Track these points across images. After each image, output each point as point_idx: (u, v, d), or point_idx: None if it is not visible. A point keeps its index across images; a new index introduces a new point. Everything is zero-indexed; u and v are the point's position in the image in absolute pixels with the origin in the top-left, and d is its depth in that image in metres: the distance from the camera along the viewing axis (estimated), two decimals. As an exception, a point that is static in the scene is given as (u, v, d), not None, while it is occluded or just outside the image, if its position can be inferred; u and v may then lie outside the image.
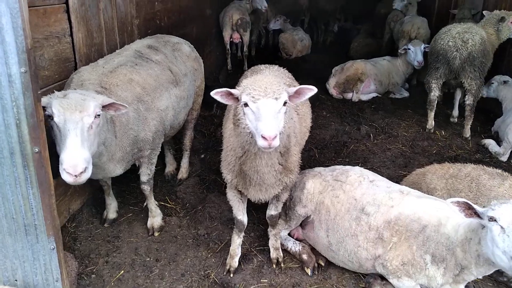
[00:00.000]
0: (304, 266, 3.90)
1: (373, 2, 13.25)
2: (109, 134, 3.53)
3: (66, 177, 2.91)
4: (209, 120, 7.25)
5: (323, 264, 3.91)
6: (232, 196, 3.73)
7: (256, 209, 4.78)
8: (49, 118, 3.00)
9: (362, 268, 3.68)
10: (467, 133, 6.64)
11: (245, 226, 3.90)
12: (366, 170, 4.02)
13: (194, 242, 4.30)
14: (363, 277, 3.81)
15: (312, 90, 2.93)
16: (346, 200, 3.71)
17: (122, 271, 3.89)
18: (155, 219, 4.46)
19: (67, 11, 4.18)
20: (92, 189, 4.82)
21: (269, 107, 2.67)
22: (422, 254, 3.29)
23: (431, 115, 6.77)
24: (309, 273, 3.84)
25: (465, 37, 6.13)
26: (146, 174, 4.24)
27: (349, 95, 8.35)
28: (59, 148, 3.03)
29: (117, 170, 3.85)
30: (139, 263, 4.01)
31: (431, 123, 6.81)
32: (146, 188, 4.31)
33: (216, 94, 2.89)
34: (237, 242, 3.95)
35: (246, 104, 2.75)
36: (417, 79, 9.43)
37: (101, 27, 4.83)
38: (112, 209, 4.57)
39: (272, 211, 3.88)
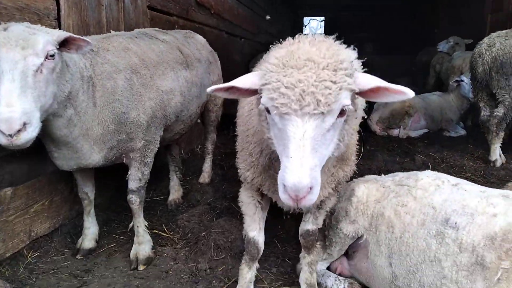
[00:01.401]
0: (352, 312, 2.54)
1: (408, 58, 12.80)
2: (84, 96, 2.68)
3: (1, 128, 2.04)
4: (228, 154, 6.20)
5: (381, 309, 2.52)
6: (246, 198, 2.59)
7: (282, 240, 3.52)
8: None
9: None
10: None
11: (261, 252, 2.67)
12: (443, 174, 2.77)
13: (191, 278, 3.03)
14: (448, 332, 2.37)
15: (404, 93, 1.68)
16: (418, 209, 2.45)
17: (80, 313, 2.67)
18: (142, 247, 3.28)
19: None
20: (71, 213, 3.75)
21: (307, 132, 1.56)
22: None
23: (492, 144, 5.42)
24: (360, 324, 2.47)
25: (493, 41, 5.24)
26: (136, 178, 3.19)
27: (395, 132, 7.16)
28: None
29: (95, 155, 2.86)
30: (108, 303, 2.78)
31: (493, 153, 5.40)
32: (135, 200, 3.21)
33: (217, 91, 1.84)
34: (247, 277, 2.70)
35: (268, 110, 1.68)
36: (472, 121, 8.17)
37: (101, 24, 4.15)
38: (89, 236, 3.45)
39: (309, 224, 2.68)
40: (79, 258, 3.34)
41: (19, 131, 2.07)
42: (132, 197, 3.21)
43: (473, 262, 2.14)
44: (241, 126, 2.48)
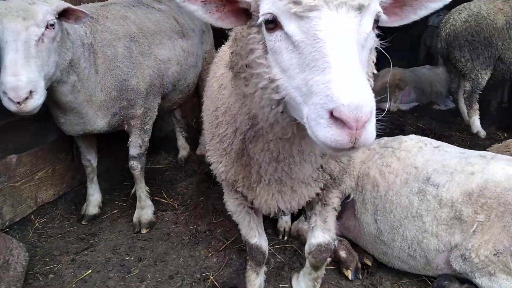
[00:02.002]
0: (343, 267, 2.72)
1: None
2: (86, 63, 2.79)
3: (8, 104, 2.22)
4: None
5: (370, 263, 2.72)
6: (234, 206, 2.20)
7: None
8: None
9: (430, 267, 2.49)
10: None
11: (266, 255, 2.40)
12: (426, 137, 2.94)
13: (192, 239, 3.22)
14: (430, 283, 2.59)
15: None
16: (402, 169, 2.62)
17: (90, 271, 2.86)
18: (144, 211, 3.44)
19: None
20: (73, 181, 3.87)
21: (349, 32, 1.12)
22: (528, 237, 2.13)
23: (470, 117, 5.57)
24: (350, 277, 2.66)
25: (449, 16, 5.43)
26: (137, 145, 3.32)
27: (385, 105, 7.30)
28: (0, 67, 2.27)
29: (99, 121, 3.00)
30: (115, 262, 2.96)
31: (473, 126, 5.51)
32: (136, 166, 3.35)
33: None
34: (256, 284, 2.48)
35: (270, 25, 1.20)
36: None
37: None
38: (93, 203, 3.59)
39: (318, 235, 2.17)
40: (84, 223, 3.49)
41: (26, 98, 2.20)
42: (133, 163, 3.34)
43: (452, 216, 2.34)
44: (209, 110, 2.01)
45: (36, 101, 2.26)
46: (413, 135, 2.96)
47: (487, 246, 2.22)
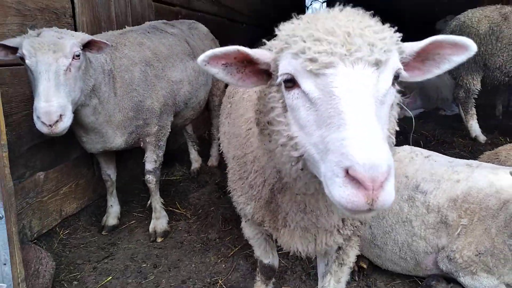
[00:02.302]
0: (341, 270, 2.92)
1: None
2: (106, 87, 3.11)
3: (40, 127, 2.53)
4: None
5: (365, 266, 2.93)
6: (253, 234, 2.28)
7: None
8: (21, 60, 2.61)
9: (420, 268, 2.69)
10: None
11: (276, 270, 2.55)
12: (418, 148, 3.14)
13: (203, 247, 3.47)
14: (420, 283, 2.78)
15: (467, 47, 1.29)
16: (393, 178, 2.82)
17: (110, 277, 3.12)
18: (159, 221, 3.72)
19: (70, -9, 3.86)
20: (94, 195, 4.18)
21: (365, 88, 1.11)
22: (506, 239, 2.33)
23: (466, 122, 5.73)
24: (348, 279, 2.86)
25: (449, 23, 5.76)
26: (152, 160, 3.61)
27: (392, 111, 7.48)
28: (34, 95, 2.60)
29: (117, 139, 3.31)
30: (133, 269, 3.22)
31: (471, 130, 5.66)
32: (152, 180, 3.64)
33: (212, 60, 1.31)
34: None
35: (289, 84, 1.21)
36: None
37: (111, 18, 4.49)
38: (113, 214, 3.88)
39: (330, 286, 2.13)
40: (104, 234, 3.78)
41: (56, 121, 2.51)
42: (149, 177, 3.63)
43: (439, 221, 2.54)
44: (235, 150, 1.96)
45: (65, 124, 2.57)
46: (407, 146, 3.16)
47: (470, 247, 2.42)
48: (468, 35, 5.10)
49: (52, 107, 2.48)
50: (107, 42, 2.82)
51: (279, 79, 1.23)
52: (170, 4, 5.91)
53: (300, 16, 1.34)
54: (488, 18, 5.17)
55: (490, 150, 4.94)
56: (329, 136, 1.06)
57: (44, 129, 2.52)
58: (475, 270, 2.38)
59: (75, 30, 3.91)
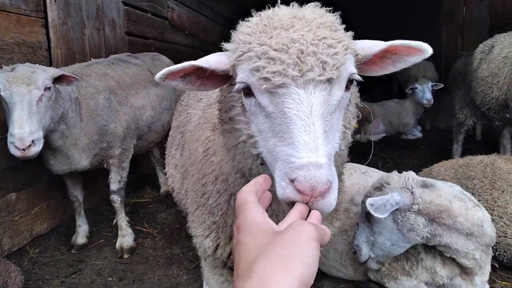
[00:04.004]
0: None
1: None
2: (73, 113, 3.38)
3: (14, 151, 2.80)
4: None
5: (313, 273, 3.19)
6: (219, 284, 2.00)
7: None
8: None
9: (359, 274, 2.97)
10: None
11: None
12: (357, 164, 3.49)
13: (167, 261, 3.70)
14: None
15: (422, 50, 1.33)
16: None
17: (76, 290, 3.30)
18: (125, 238, 3.93)
19: (46, 27, 4.18)
20: (65, 216, 4.37)
21: (314, 108, 1.14)
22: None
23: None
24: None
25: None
26: (116, 181, 3.85)
27: (356, 137, 7.92)
28: (8, 122, 2.89)
29: (83, 161, 3.55)
30: (99, 283, 3.42)
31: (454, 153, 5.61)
32: (116, 199, 3.87)
33: (169, 76, 1.31)
34: None
35: (246, 91, 1.24)
36: (431, 124, 8.96)
37: (85, 51, 4.81)
38: (81, 233, 4.08)
39: None
40: (73, 252, 3.96)
41: (29, 146, 2.80)
42: (114, 197, 3.87)
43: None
44: (192, 178, 1.89)
45: (37, 148, 2.85)
46: (349, 162, 3.50)
47: (392, 255, 2.72)
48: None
49: (25, 133, 2.77)
50: (76, 77, 3.14)
51: (237, 86, 1.23)
52: (143, 37, 6.26)
53: (259, 13, 1.34)
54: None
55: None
56: (280, 147, 1.13)
57: (17, 153, 2.79)
58: (396, 275, 2.67)
59: (50, 62, 4.22)
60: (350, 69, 1.21)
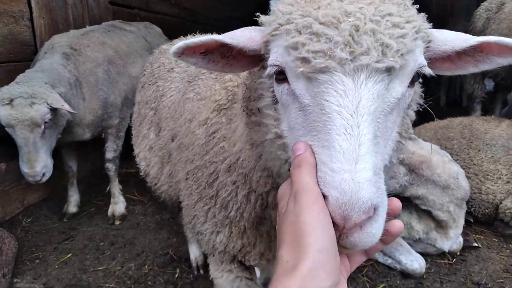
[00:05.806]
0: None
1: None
2: (75, 99, 3.36)
3: (28, 179, 3.01)
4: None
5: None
6: (229, 282, 1.69)
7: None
8: None
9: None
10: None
11: None
12: None
13: (157, 226, 3.81)
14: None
15: None
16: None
17: (70, 254, 3.41)
18: (117, 206, 4.02)
19: (27, -4, 4.11)
20: (57, 186, 4.43)
21: (363, 104, 0.86)
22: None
23: None
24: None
25: None
26: (112, 150, 3.94)
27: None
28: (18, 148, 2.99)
29: (86, 135, 3.62)
30: (91, 247, 3.52)
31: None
32: (111, 168, 3.96)
33: (186, 50, 1.02)
34: None
35: (280, 76, 0.97)
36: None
37: (69, 21, 4.75)
38: (73, 202, 4.15)
39: None
40: (65, 221, 4.04)
41: (41, 177, 2.99)
42: (108, 165, 3.94)
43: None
44: (185, 163, 1.66)
45: (48, 175, 3.07)
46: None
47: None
48: None
49: (36, 172, 2.93)
50: (74, 112, 3.11)
51: (268, 70, 0.98)
52: (128, 6, 6.16)
53: None
54: None
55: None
56: (313, 148, 0.88)
57: (31, 180, 2.99)
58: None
59: (33, 32, 4.17)
60: (420, 59, 0.92)
